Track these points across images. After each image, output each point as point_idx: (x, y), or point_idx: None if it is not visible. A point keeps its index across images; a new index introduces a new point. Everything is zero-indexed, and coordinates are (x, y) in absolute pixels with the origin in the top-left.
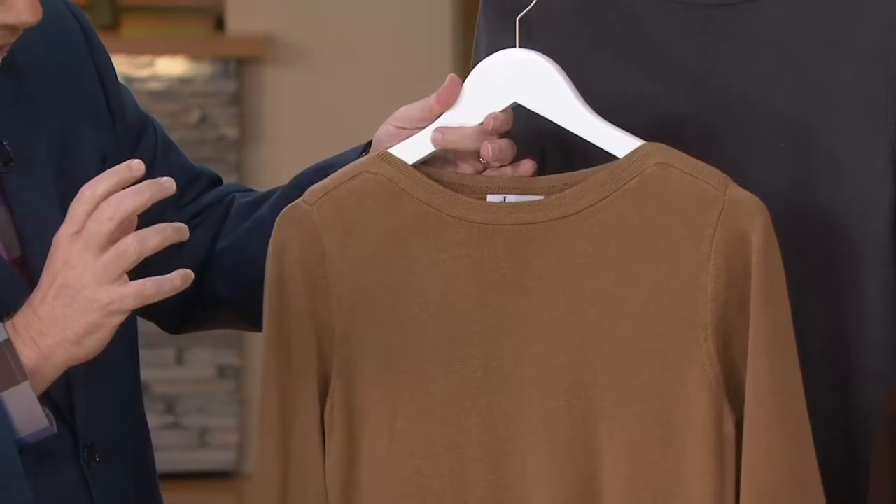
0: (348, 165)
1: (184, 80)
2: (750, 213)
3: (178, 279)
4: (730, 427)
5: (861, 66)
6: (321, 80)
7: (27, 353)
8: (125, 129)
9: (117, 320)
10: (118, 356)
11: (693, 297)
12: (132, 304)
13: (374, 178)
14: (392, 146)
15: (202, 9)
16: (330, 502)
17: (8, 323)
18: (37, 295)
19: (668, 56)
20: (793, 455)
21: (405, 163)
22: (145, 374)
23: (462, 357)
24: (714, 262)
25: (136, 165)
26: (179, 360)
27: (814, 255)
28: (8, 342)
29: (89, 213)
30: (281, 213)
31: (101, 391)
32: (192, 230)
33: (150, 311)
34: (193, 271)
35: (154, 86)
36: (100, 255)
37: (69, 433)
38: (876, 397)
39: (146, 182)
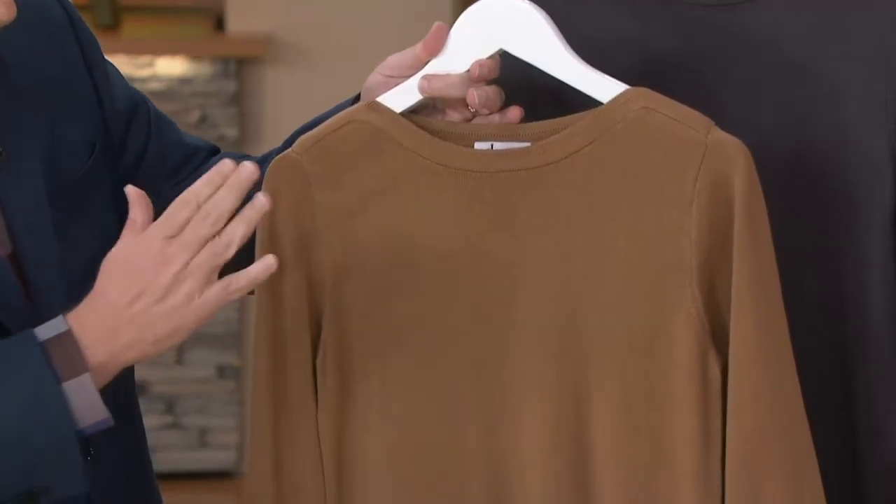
0: (337, 115)
1: (184, 80)
2: (732, 156)
3: (259, 271)
4: (715, 371)
5: (861, 66)
6: (321, 80)
7: (97, 351)
8: (116, 112)
9: (200, 321)
10: None
11: (678, 241)
12: (219, 304)
13: (363, 127)
14: (381, 95)
15: (202, 9)
16: (323, 450)
17: (72, 315)
18: (111, 291)
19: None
20: (778, 395)
21: (393, 111)
22: (145, 373)
23: (452, 303)
24: (697, 206)
25: (247, 172)
26: (179, 360)
27: (813, 240)
28: (69, 334)
29: (189, 220)
30: (271, 163)
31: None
32: None
33: None
34: None
35: (154, 86)
36: (195, 257)
37: None
38: (875, 344)
39: (232, 176)
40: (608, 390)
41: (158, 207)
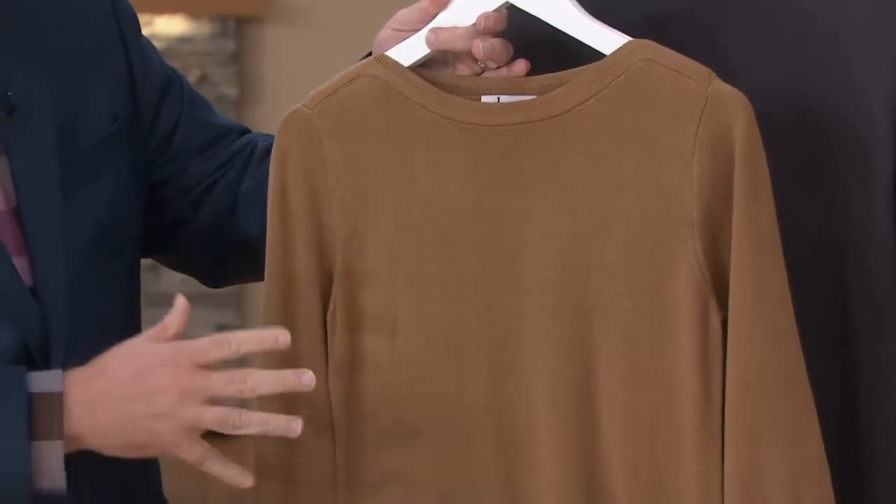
0: (347, 69)
1: (183, 40)
2: (732, 107)
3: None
4: (716, 323)
5: (864, 23)
6: (321, 39)
7: (76, 424)
8: (149, 87)
9: (161, 454)
10: (111, 315)
11: (680, 194)
12: (189, 458)
13: (372, 81)
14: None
15: None
16: (333, 405)
17: (70, 380)
18: (115, 376)
19: None
20: (777, 346)
21: (401, 65)
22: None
23: (459, 257)
24: (698, 158)
25: (283, 339)
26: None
27: (810, 176)
28: (60, 397)
29: (220, 360)
30: (283, 119)
31: (81, 339)
32: (218, 180)
33: (185, 265)
34: (221, 218)
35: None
36: (207, 410)
37: None
38: (873, 297)
39: (288, 372)
40: (613, 342)
41: (185, 183)
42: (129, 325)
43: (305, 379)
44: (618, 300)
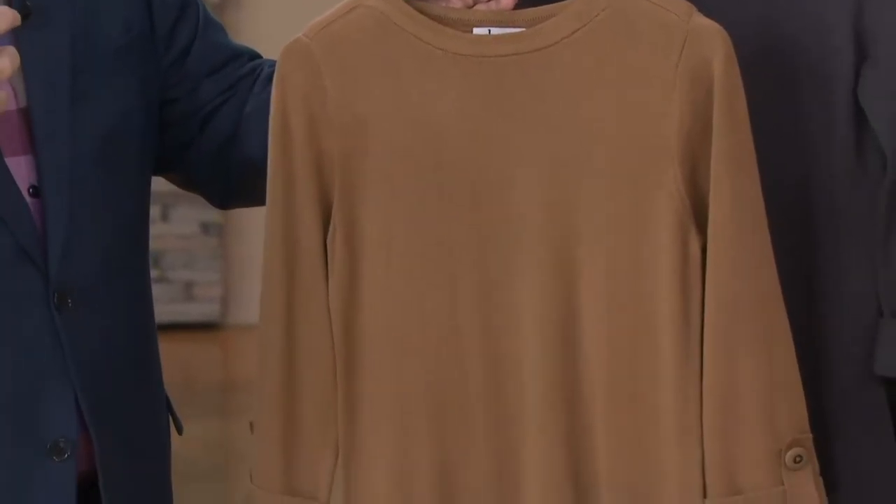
0: (345, 0)
1: None
2: (712, 41)
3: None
4: (696, 249)
5: None
6: None
7: None
8: (165, 6)
9: None
10: (111, 226)
11: (661, 124)
12: None
13: (369, 12)
14: None
15: None
16: (333, 323)
17: None
18: None
19: None
20: (753, 270)
21: None
22: None
23: (451, 180)
24: (679, 89)
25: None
26: (165, 217)
27: (784, 98)
28: None
29: None
30: (283, 48)
31: (86, 234)
32: (225, 102)
33: (194, 185)
34: (226, 139)
35: None
36: None
37: (40, 277)
38: (843, 228)
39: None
40: (596, 266)
41: (195, 102)
42: (130, 240)
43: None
44: (601, 225)
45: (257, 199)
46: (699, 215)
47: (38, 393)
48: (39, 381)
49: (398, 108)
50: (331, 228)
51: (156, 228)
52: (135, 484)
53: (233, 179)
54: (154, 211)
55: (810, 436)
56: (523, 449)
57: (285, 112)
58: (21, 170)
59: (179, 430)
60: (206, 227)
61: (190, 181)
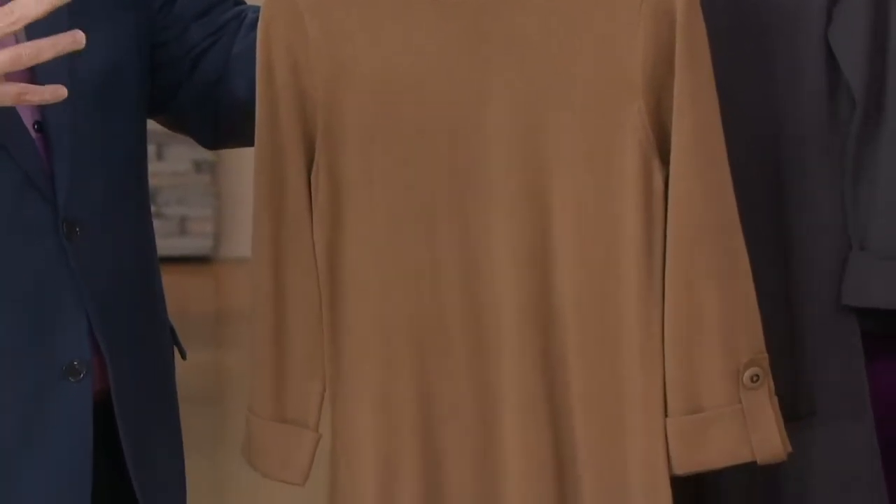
0: None
1: None
2: None
3: (47, 93)
4: (659, 180)
5: None
6: None
7: None
8: None
9: None
10: (113, 158)
11: (628, 61)
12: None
13: None
14: None
15: None
16: (318, 259)
17: None
18: None
19: None
20: (713, 200)
21: None
22: None
23: (430, 123)
24: (644, 27)
25: (80, 38)
26: (160, 156)
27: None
28: None
29: None
30: None
31: (90, 167)
32: (212, 45)
33: (183, 127)
34: (214, 81)
35: None
36: None
37: (49, 207)
38: (815, 168)
39: None
40: (566, 197)
41: (184, 45)
42: (130, 175)
43: (78, 36)
44: (571, 159)
45: (245, 139)
46: (662, 148)
47: (54, 319)
48: (54, 307)
49: (378, 51)
50: (314, 168)
51: (151, 166)
52: (145, 401)
53: (221, 121)
54: (149, 150)
55: (766, 356)
56: (501, 373)
57: (269, 57)
58: (25, 107)
59: (183, 356)
60: (199, 165)
61: (179, 123)
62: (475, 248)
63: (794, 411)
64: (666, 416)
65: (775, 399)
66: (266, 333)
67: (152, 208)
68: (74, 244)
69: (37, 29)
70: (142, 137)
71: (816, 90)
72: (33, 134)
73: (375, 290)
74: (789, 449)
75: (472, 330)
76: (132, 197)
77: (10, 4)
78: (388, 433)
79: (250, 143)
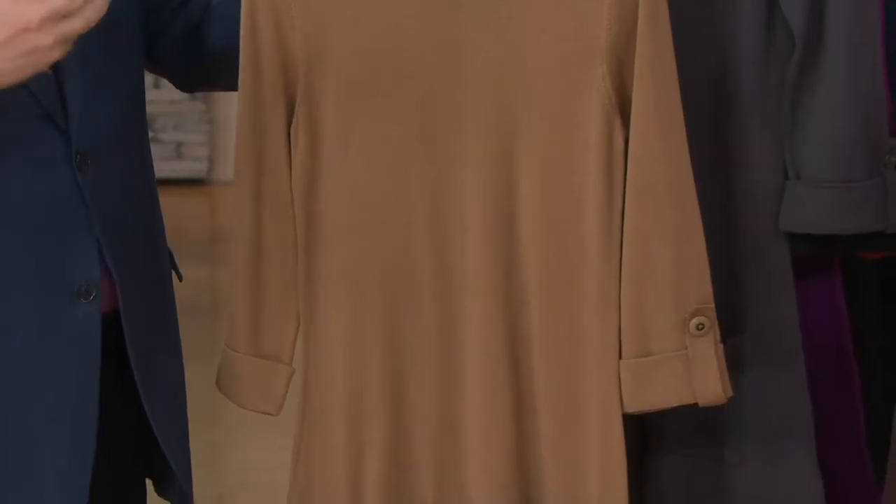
0: None
1: None
2: None
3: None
4: (619, 141)
5: None
6: None
7: None
8: None
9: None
10: (118, 70)
11: (593, 28)
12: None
13: None
14: None
15: None
16: (295, 205)
17: None
18: None
19: None
20: (669, 160)
21: None
22: None
23: (407, 83)
24: None
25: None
26: (157, 85)
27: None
28: None
29: None
30: None
31: (98, 103)
32: None
33: (163, 70)
34: (194, 28)
35: None
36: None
37: (63, 140)
38: (754, 101)
39: None
40: (533, 158)
41: (165, 19)
42: (134, 110)
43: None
44: (539, 122)
45: (220, 83)
46: (623, 110)
47: (66, 244)
48: (66, 233)
49: (358, 15)
50: (294, 119)
51: (148, 95)
52: (150, 318)
53: (197, 65)
54: (147, 79)
55: (713, 306)
56: (465, 314)
57: (254, 17)
58: None
59: (180, 277)
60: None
61: (158, 65)
62: (445, 200)
63: (728, 329)
64: (620, 358)
65: (720, 346)
66: (245, 275)
67: (150, 134)
68: (85, 173)
69: None
70: (142, 74)
71: (755, 25)
72: (49, 71)
73: (348, 236)
74: (730, 393)
75: (439, 276)
76: (135, 129)
77: None
78: (357, 370)
79: (224, 87)
